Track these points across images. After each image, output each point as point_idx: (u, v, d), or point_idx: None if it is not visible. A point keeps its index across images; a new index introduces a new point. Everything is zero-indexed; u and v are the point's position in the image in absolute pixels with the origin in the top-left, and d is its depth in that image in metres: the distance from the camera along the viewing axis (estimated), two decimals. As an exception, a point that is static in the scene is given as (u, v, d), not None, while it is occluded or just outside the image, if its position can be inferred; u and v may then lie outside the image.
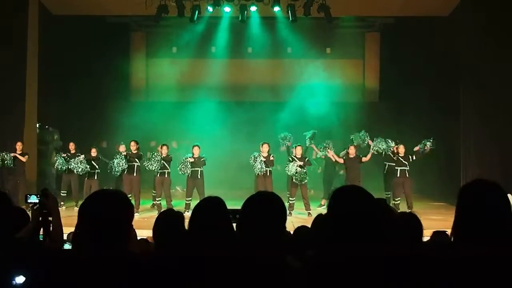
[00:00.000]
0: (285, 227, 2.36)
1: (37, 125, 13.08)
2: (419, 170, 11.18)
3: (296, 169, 10.86)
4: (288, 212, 10.91)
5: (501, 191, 2.07)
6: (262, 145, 11.31)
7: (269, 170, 11.15)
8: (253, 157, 11.16)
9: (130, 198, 11.38)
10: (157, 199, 11.31)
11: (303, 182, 10.90)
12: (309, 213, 10.84)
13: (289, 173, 11.01)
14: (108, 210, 2.12)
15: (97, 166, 11.49)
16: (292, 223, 9.09)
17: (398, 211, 10.03)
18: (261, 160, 11.02)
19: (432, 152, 11.07)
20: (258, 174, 11.05)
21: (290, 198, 11.20)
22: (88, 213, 2.15)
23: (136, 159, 11.12)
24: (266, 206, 2.29)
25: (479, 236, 1.99)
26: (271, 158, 11.17)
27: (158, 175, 11.26)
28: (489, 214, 2.01)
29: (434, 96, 13.69)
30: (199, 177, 11.20)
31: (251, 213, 2.29)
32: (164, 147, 11.37)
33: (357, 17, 14.84)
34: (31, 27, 12.23)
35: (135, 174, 11.12)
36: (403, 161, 10.82)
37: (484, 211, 2.02)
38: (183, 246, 2.49)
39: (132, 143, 11.24)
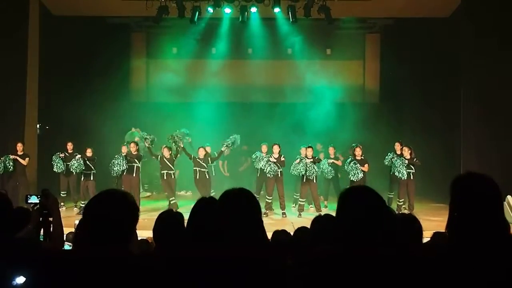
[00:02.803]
0: (261, 219, 2.32)
1: (38, 125, 13.10)
2: (419, 171, 11.18)
3: (307, 166, 10.94)
4: (298, 214, 11.02)
5: (492, 183, 2.07)
6: (272, 146, 11.35)
7: (280, 171, 11.19)
8: (264, 158, 11.18)
9: None
10: (171, 199, 11.29)
11: (313, 178, 10.97)
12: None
13: (298, 171, 11.06)
14: (115, 211, 2.11)
15: (92, 167, 11.48)
16: (292, 224, 9.10)
17: (401, 212, 10.13)
18: (272, 162, 11.07)
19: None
20: (268, 176, 11.09)
21: (300, 199, 11.24)
22: (94, 213, 2.14)
23: (136, 160, 11.14)
24: (233, 203, 2.28)
25: (473, 229, 1.99)
26: (282, 159, 11.22)
27: (164, 177, 11.28)
28: (481, 206, 2.01)
29: (434, 97, 13.69)
30: (207, 177, 11.34)
31: (223, 210, 2.28)
32: (166, 149, 11.36)
33: (358, 18, 14.83)
34: (31, 28, 12.24)
35: (134, 175, 11.13)
36: (409, 163, 10.81)
37: (476, 204, 2.02)
38: (183, 246, 2.50)
39: (132, 144, 11.26)
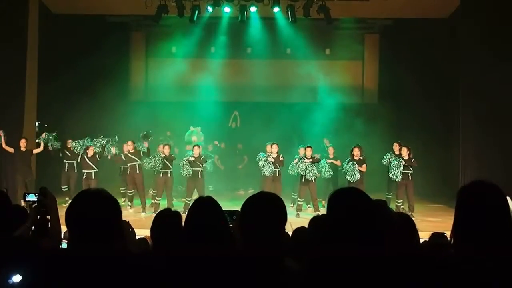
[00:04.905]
0: (284, 228, 2.35)
1: (36, 123, 13.07)
2: (417, 172, 11.20)
3: (306, 167, 10.89)
4: (296, 213, 11.01)
5: (499, 192, 2.08)
6: (271, 145, 11.30)
7: (278, 171, 11.17)
8: (262, 158, 11.14)
9: (132, 193, 11.54)
10: (157, 198, 11.31)
11: (313, 179, 10.94)
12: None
13: (297, 172, 11.05)
14: (93, 210, 2.11)
15: (94, 166, 11.48)
16: (290, 224, 9.09)
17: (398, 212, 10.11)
18: (270, 162, 11.02)
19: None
20: (266, 176, 11.02)
21: (299, 199, 11.23)
22: (74, 216, 2.14)
23: (137, 159, 11.21)
24: (266, 206, 2.28)
25: (478, 237, 2.00)
26: (281, 159, 11.19)
27: (161, 175, 11.26)
28: (488, 215, 2.02)
29: (433, 98, 13.69)
30: (199, 177, 11.21)
31: (251, 213, 2.28)
32: (166, 147, 11.38)
33: (357, 19, 14.84)
34: (30, 26, 12.21)
35: (138, 172, 11.23)
36: (406, 164, 10.81)
37: (482, 212, 2.02)
38: (181, 245, 2.49)
39: (129, 143, 11.29)
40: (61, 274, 2.02)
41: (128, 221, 4.33)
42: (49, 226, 2.91)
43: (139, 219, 10.04)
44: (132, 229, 4.39)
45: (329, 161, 11.68)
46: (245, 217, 2.28)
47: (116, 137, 11.83)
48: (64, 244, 3.48)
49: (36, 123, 13.07)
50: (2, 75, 11.47)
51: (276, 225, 2.26)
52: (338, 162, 11.78)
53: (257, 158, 11.38)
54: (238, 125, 15.82)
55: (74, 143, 11.77)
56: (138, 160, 11.22)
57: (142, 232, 5.45)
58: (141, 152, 11.32)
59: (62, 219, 3.07)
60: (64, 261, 2.07)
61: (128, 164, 11.26)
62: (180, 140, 14.36)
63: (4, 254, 2.41)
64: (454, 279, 1.95)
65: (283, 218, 2.30)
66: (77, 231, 2.12)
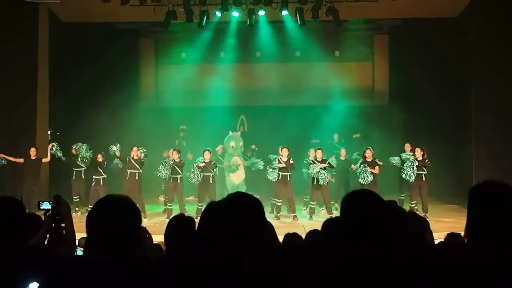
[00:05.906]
0: (264, 226, 2.26)
1: (48, 132, 13.20)
2: (430, 172, 11.13)
3: (319, 170, 10.87)
4: (309, 216, 10.98)
5: (510, 191, 2.07)
6: (281, 149, 11.28)
7: (289, 174, 11.15)
8: (269, 165, 11.15)
9: None
10: (168, 204, 11.34)
11: (325, 183, 10.90)
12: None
13: (311, 175, 11.04)
14: (115, 216, 2.12)
15: (102, 172, 11.53)
16: (303, 227, 9.08)
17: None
18: (279, 167, 11.01)
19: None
20: (277, 179, 11.03)
21: (311, 202, 11.20)
22: (95, 221, 2.15)
23: (138, 166, 11.29)
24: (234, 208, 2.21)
25: (490, 236, 1.99)
26: (291, 162, 11.17)
27: (170, 181, 11.29)
28: (499, 214, 2.01)
29: (444, 98, 13.58)
30: (210, 182, 11.24)
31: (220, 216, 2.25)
32: (175, 152, 11.41)
33: (366, 20, 14.81)
34: (41, 35, 12.35)
35: (137, 178, 11.24)
36: (420, 165, 10.75)
37: (494, 211, 2.01)
38: (194, 251, 2.50)
39: (134, 149, 11.36)
40: (77, 281, 2.03)
41: (146, 227, 4.35)
42: (63, 233, 2.93)
43: (151, 225, 10.05)
44: (149, 235, 4.42)
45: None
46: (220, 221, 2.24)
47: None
48: (79, 251, 3.51)
49: (48, 132, 13.19)
50: (13, 84, 11.60)
51: (252, 222, 2.21)
52: (353, 167, 11.72)
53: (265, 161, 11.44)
54: (245, 129, 15.81)
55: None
56: (139, 169, 11.26)
57: (154, 238, 5.47)
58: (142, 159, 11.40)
59: (76, 227, 3.11)
60: (80, 268, 2.09)
61: (129, 171, 11.27)
62: (192, 144, 14.37)
63: (20, 262, 2.43)
64: (466, 279, 1.94)
65: (258, 216, 2.20)
66: (97, 236, 2.13)
